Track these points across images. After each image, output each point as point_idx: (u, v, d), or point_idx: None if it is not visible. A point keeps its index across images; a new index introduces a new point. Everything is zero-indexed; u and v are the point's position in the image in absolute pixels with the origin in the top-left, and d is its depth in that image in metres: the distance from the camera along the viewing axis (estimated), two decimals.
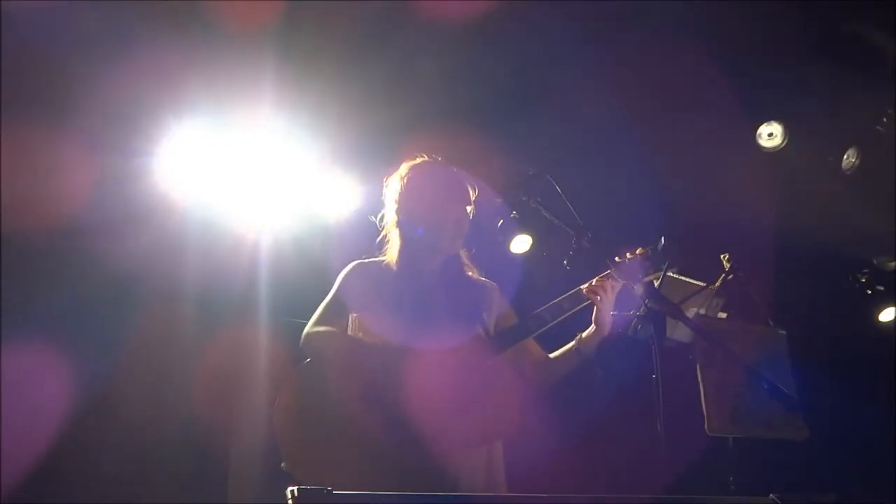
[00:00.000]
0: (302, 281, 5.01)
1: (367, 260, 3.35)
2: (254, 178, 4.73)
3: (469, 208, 3.32)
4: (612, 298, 3.23)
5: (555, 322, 3.24)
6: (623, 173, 5.42)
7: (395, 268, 3.29)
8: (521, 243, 5.57)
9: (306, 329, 3.23)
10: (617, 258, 3.24)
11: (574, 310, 3.27)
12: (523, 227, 5.43)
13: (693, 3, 4.50)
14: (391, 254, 3.33)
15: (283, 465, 3.05)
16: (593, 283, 3.24)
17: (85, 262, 4.44)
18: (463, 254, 3.39)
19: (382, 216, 3.42)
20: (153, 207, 4.52)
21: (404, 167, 3.39)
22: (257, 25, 4.12)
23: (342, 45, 4.43)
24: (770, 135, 5.29)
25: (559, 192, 3.32)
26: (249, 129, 4.57)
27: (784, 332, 3.51)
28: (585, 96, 5.16)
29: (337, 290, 3.27)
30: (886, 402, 6.01)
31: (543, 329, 3.24)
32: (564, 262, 3.24)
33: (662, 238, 3.11)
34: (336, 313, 3.23)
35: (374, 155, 4.85)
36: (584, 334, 3.29)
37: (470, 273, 3.38)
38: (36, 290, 4.48)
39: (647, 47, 4.67)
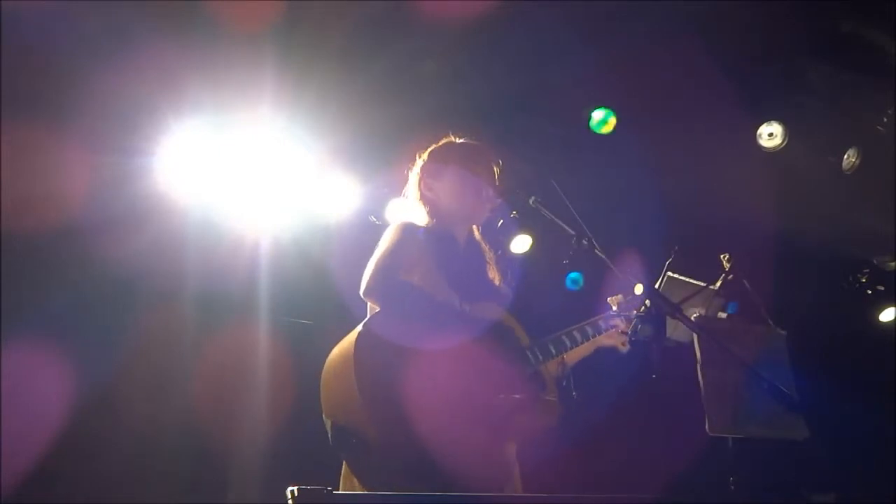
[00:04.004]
0: (302, 281, 5.03)
1: (409, 221, 3.33)
2: (254, 178, 4.72)
3: (496, 185, 3.40)
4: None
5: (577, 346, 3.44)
6: (623, 173, 5.42)
7: (430, 233, 3.29)
8: (521, 243, 5.57)
9: (376, 275, 3.08)
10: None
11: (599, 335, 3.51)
12: (523, 227, 5.44)
13: (693, 2, 4.50)
14: (422, 217, 3.35)
15: (327, 418, 2.95)
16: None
17: (85, 262, 4.44)
18: (475, 228, 3.47)
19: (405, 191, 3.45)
20: (153, 207, 4.51)
21: (438, 145, 3.45)
22: (257, 25, 4.12)
23: (342, 46, 4.43)
24: (770, 135, 5.29)
25: (559, 192, 3.33)
26: (249, 129, 4.57)
27: (784, 332, 3.51)
28: (585, 96, 5.16)
29: (398, 243, 3.17)
30: (886, 402, 6.01)
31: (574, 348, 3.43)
32: (564, 261, 3.27)
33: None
34: (399, 266, 3.13)
35: (374, 155, 4.86)
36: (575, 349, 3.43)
37: (488, 259, 3.47)
38: (36, 290, 4.48)
39: (647, 47, 4.67)
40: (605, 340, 3.56)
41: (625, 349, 3.53)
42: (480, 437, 2.99)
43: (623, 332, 3.51)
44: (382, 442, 2.83)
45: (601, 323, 3.53)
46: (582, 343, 3.45)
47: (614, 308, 3.58)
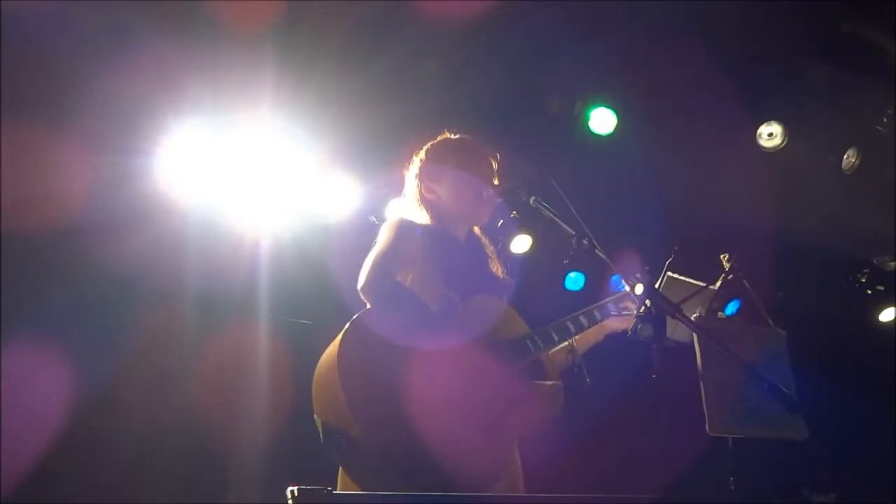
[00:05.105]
0: (302, 281, 5.02)
1: (407, 218, 3.31)
2: (254, 178, 4.72)
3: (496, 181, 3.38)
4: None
5: (584, 331, 3.38)
6: (623, 173, 5.42)
7: (430, 231, 3.28)
8: (521, 243, 5.57)
9: (372, 274, 3.05)
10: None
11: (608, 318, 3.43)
12: (523, 227, 5.44)
13: (693, 2, 4.50)
14: (423, 219, 3.34)
15: (317, 417, 2.94)
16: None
17: (85, 262, 4.44)
18: (476, 228, 3.47)
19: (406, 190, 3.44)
20: (153, 207, 4.51)
21: (434, 144, 3.44)
22: (257, 25, 4.12)
23: (342, 45, 4.43)
24: (770, 135, 5.29)
25: (559, 192, 3.32)
26: (249, 129, 4.57)
27: (784, 332, 3.51)
28: (585, 96, 5.17)
29: (394, 241, 3.15)
30: (886, 402, 6.02)
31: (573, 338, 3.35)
32: (565, 261, 3.27)
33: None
34: (395, 265, 3.12)
35: (374, 155, 4.86)
36: (583, 335, 3.37)
37: (489, 253, 3.46)
38: (36, 290, 4.48)
39: (647, 47, 4.67)
40: (615, 324, 3.47)
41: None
42: (467, 432, 2.96)
43: (624, 330, 3.47)
44: (368, 440, 2.82)
45: (610, 305, 3.45)
46: (589, 327, 3.37)
47: (627, 289, 3.43)
